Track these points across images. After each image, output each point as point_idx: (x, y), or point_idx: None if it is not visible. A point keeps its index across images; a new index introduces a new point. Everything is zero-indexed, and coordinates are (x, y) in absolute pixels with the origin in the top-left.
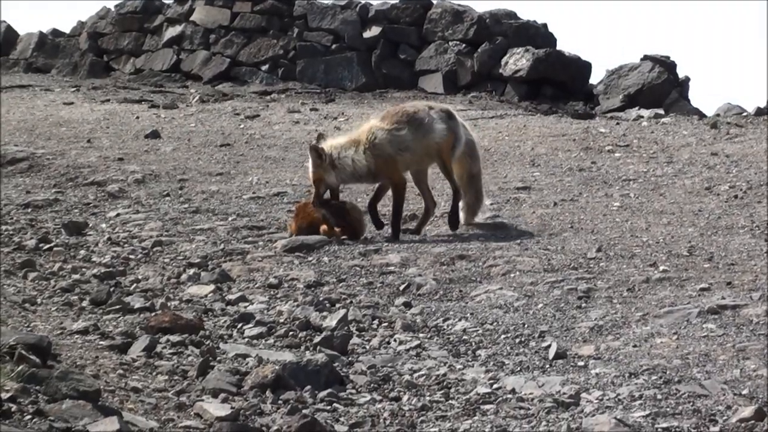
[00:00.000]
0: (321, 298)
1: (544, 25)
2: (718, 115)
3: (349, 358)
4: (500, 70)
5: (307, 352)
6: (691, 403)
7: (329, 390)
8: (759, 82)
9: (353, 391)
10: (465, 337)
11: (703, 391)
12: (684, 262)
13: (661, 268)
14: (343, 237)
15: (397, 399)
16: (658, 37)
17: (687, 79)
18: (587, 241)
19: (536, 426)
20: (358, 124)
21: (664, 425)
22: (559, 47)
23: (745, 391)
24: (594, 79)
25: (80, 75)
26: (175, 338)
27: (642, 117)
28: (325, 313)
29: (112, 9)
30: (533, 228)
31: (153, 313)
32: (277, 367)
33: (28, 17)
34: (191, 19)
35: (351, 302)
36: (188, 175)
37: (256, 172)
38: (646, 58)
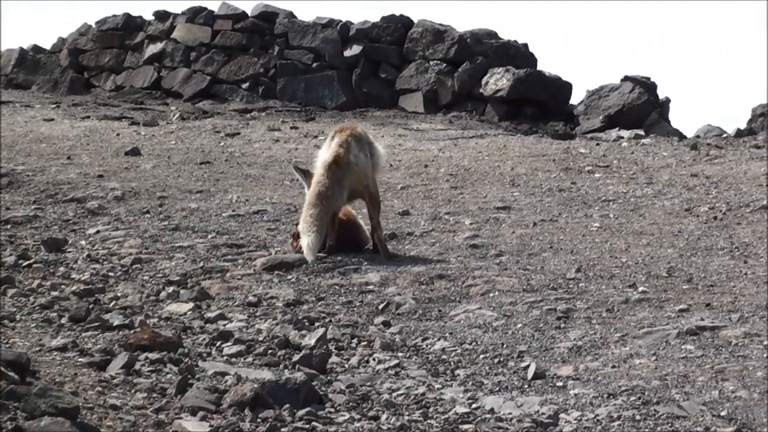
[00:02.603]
0: (300, 317)
1: (525, 45)
2: (698, 136)
3: (328, 377)
4: (481, 90)
5: (286, 370)
6: (670, 425)
7: (308, 409)
8: (739, 104)
9: (332, 409)
10: (444, 356)
11: (682, 412)
12: (663, 283)
13: (641, 288)
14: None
15: (376, 418)
16: (638, 58)
17: (667, 100)
18: (567, 261)
19: None
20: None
21: None
22: (539, 67)
23: (723, 413)
24: (574, 99)
25: (61, 91)
26: (154, 356)
27: (622, 138)
28: (304, 332)
29: (93, 26)
30: (512, 248)
31: (132, 331)
32: (256, 386)
33: (8, 33)
34: (172, 36)
35: (330, 321)
36: (168, 192)
37: (235, 189)
38: (626, 78)
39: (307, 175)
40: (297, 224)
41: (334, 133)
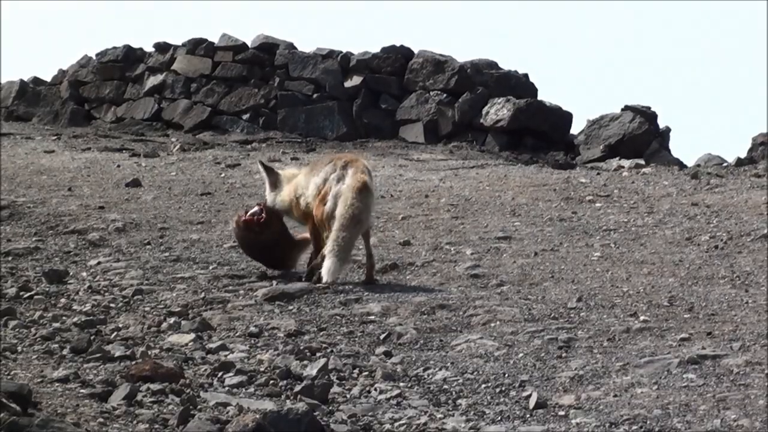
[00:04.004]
0: (301, 347)
1: (525, 75)
2: (698, 165)
3: (330, 407)
4: (481, 120)
5: (288, 400)
6: None
7: None
8: (739, 133)
9: None
10: (445, 386)
11: None
12: (664, 312)
13: (642, 318)
14: None
15: None
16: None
17: (668, 130)
18: (568, 290)
19: None
20: None
21: None
22: (540, 97)
23: None
24: (575, 129)
25: (61, 123)
26: (155, 387)
27: (623, 167)
28: (305, 362)
29: (94, 57)
30: (514, 278)
31: (133, 362)
32: (257, 416)
33: (8, 65)
34: (172, 68)
35: (332, 351)
36: (169, 223)
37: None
38: (626, 108)
39: (271, 173)
40: (260, 204)
41: (344, 162)
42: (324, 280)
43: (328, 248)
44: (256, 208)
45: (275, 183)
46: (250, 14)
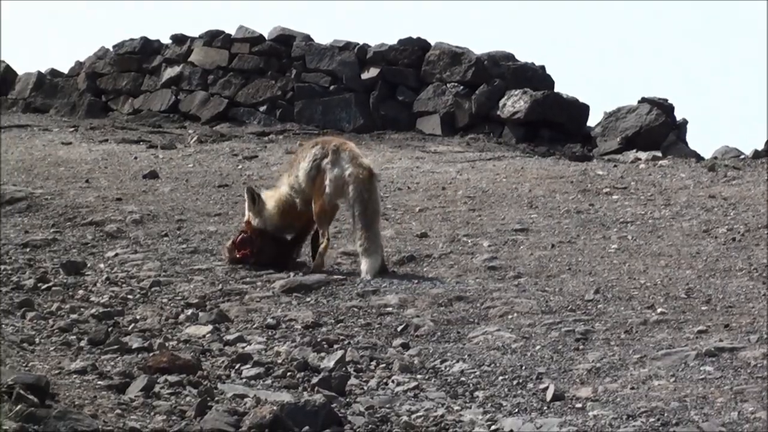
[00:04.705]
0: (319, 339)
1: (542, 68)
2: (715, 157)
3: (347, 399)
4: (498, 112)
5: (305, 392)
6: None
7: (327, 431)
8: (756, 125)
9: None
10: (463, 378)
11: None
12: (682, 305)
13: (659, 310)
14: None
15: None
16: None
17: (685, 122)
18: (585, 283)
19: None
20: None
21: None
22: (557, 89)
23: None
24: (592, 121)
25: (78, 115)
26: (173, 378)
27: (640, 159)
28: (322, 354)
29: (111, 49)
30: (531, 270)
31: (151, 353)
32: (275, 408)
33: (26, 57)
34: (190, 59)
35: (349, 343)
36: (186, 215)
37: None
38: (644, 100)
39: (257, 201)
40: (244, 231)
41: (335, 146)
42: (368, 278)
43: (362, 248)
44: (244, 236)
45: (260, 209)
46: (266, 6)
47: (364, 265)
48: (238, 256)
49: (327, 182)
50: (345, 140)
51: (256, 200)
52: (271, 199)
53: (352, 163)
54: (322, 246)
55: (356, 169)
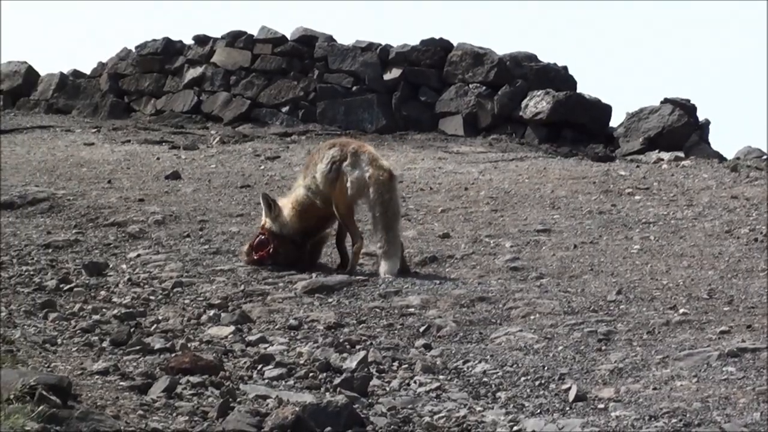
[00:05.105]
0: (341, 340)
1: (565, 68)
2: (738, 158)
3: (369, 400)
4: (520, 113)
5: (327, 393)
6: None
7: (349, 431)
8: None
9: None
10: (485, 379)
11: None
12: (704, 305)
13: (681, 310)
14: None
15: None
16: (678, 81)
17: (707, 122)
18: (607, 283)
19: None
20: None
21: None
22: (579, 90)
23: None
24: (614, 121)
25: (101, 116)
26: (195, 379)
27: (662, 160)
28: (345, 355)
29: (133, 50)
30: (553, 270)
31: (173, 354)
32: (297, 409)
33: (48, 58)
34: (212, 60)
35: (371, 344)
36: (208, 216)
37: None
38: (666, 101)
39: (273, 207)
40: (262, 233)
41: (354, 148)
42: (388, 280)
43: (381, 250)
44: (262, 238)
45: (277, 214)
46: (289, 7)
47: (383, 267)
48: (255, 258)
49: (348, 184)
50: (362, 142)
51: (272, 206)
52: (287, 203)
53: (372, 165)
54: (357, 246)
55: (376, 171)
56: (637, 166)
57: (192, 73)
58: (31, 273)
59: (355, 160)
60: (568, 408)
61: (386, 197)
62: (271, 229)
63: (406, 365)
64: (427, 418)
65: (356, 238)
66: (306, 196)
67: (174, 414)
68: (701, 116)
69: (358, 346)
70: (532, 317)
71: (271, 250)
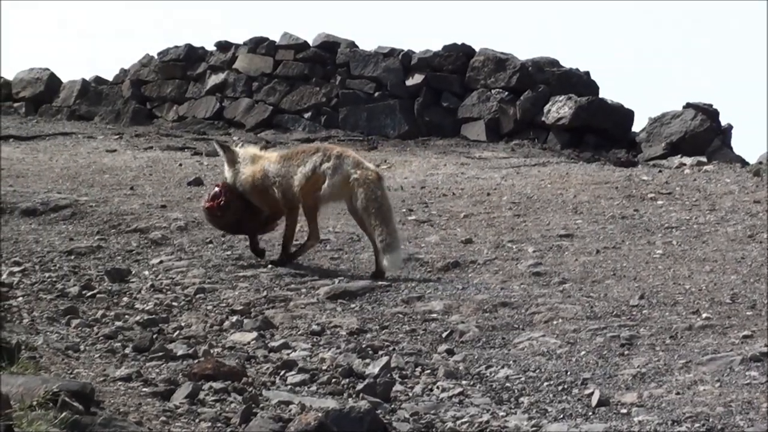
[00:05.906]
0: (364, 345)
1: (587, 73)
2: (760, 162)
3: (392, 406)
4: (543, 118)
5: (350, 399)
6: None
7: None
8: None
9: None
10: (508, 384)
11: None
12: (727, 310)
13: (704, 315)
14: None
15: None
16: (700, 86)
17: (729, 127)
18: (630, 288)
19: None
20: None
21: None
22: (601, 95)
23: None
24: (636, 126)
25: (123, 122)
26: (218, 385)
27: (684, 165)
28: (367, 360)
29: (155, 56)
30: (576, 275)
31: (196, 360)
32: (320, 414)
33: (70, 65)
34: (234, 66)
35: (394, 349)
36: None
37: (298, 219)
38: (688, 105)
39: (227, 150)
40: (218, 185)
41: (337, 153)
42: (390, 274)
43: (381, 244)
44: (216, 190)
45: (233, 160)
46: (311, 13)
47: (387, 260)
48: (206, 206)
49: (326, 184)
50: (345, 148)
51: (226, 150)
52: (251, 161)
53: (358, 167)
54: (309, 242)
55: (365, 172)
56: (660, 171)
57: (214, 79)
58: (54, 279)
59: (339, 163)
60: (590, 413)
61: (378, 194)
62: (226, 180)
63: (429, 370)
64: (449, 424)
65: (312, 236)
66: (272, 180)
67: (197, 420)
68: (723, 121)
69: (380, 352)
70: (554, 322)
71: (222, 202)
